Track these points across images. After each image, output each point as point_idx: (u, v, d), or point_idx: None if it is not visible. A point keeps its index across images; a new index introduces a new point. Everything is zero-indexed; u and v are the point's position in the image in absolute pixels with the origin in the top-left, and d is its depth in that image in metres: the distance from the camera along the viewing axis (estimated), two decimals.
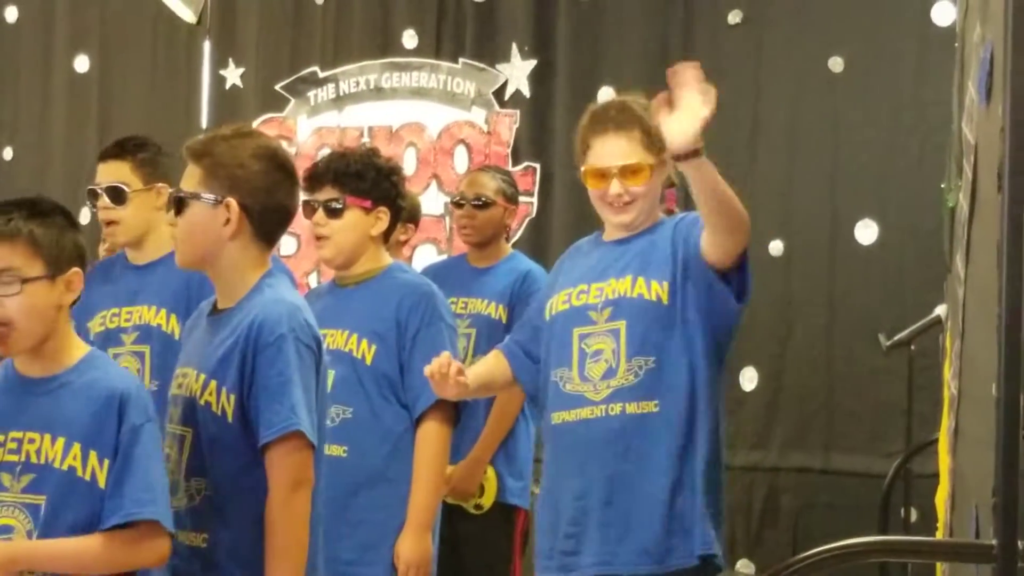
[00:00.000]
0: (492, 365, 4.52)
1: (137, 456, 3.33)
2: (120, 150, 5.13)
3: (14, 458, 3.34)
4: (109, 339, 4.95)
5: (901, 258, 7.50)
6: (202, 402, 3.41)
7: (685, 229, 4.07)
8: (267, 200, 3.57)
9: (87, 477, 3.32)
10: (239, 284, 3.52)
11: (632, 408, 4.00)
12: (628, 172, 4.21)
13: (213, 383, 3.39)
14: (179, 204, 3.56)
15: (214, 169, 3.51)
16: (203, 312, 3.68)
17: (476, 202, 6.06)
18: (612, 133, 4.26)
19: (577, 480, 4.13)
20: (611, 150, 4.21)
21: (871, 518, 6.03)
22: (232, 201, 3.47)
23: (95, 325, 5.02)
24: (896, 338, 6.16)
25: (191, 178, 3.57)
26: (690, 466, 4.06)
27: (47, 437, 3.34)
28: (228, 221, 3.48)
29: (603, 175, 4.19)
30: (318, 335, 3.50)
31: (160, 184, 5.05)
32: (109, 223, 5.08)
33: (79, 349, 3.52)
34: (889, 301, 7.11)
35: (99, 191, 5.04)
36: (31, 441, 3.35)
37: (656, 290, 4.03)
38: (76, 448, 3.33)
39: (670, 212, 4.43)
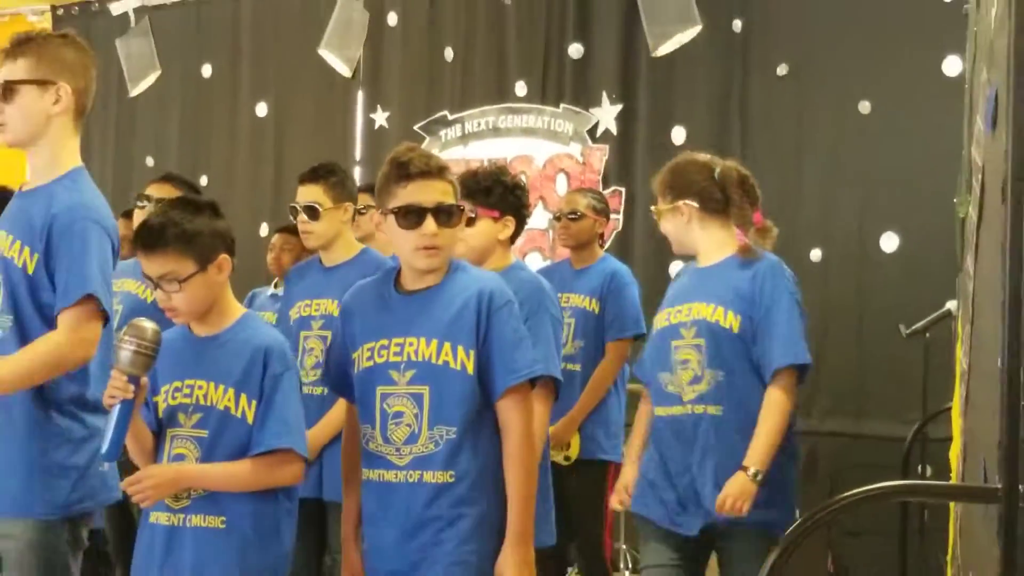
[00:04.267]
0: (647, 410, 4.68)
1: (277, 399, 3.38)
2: (315, 175, 5.16)
3: (187, 400, 3.41)
4: (303, 324, 5.04)
5: (917, 263, 7.42)
6: (440, 362, 3.31)
7: (760, 307, 4.27)
8: None
9: (238, 415, 3.38)
10: (442, 271, 3.44)
11: (706, 409, 4.23)
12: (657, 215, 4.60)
13: (448, 345, 3.30)
14: (454, 216, 3.40)
15: (456, 186, 3.48)
16: (379, 294, 3.51)
17: (571, 216, 6.14)
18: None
19: (670, 461, 4.35)
20: None
21: (894, 475, 5.97)
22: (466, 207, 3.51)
23: (293, 313, 5.10)
24: (914, 327, 6.13)
25: (448, 194, 3.41)
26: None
27: (211, 384, 3.40)
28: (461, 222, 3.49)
29: None
30: (556, 313, 3.48)
31: (346, 203, 5.14)
32: (305, 234, 5.14)
33: (237, 311, 3.54)
34: (908, 298, 7.05)
35: (298, 208, 5.09)
36: (200, 388, 3.41)
37: (731, 320, 4.21)
38: (231, 392, 3.39)
39: (743, 250, 4.47)
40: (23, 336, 3.56)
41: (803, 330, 4.32)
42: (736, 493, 4.11)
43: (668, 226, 4.52)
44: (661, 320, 4.49)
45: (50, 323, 3.55)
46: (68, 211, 3.55)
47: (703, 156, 4.63)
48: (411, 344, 3.35)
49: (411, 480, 3.32)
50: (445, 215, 3.33)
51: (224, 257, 3.45)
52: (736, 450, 4.20)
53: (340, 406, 4.68)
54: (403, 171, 3.37)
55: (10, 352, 3.55)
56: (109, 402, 3.30)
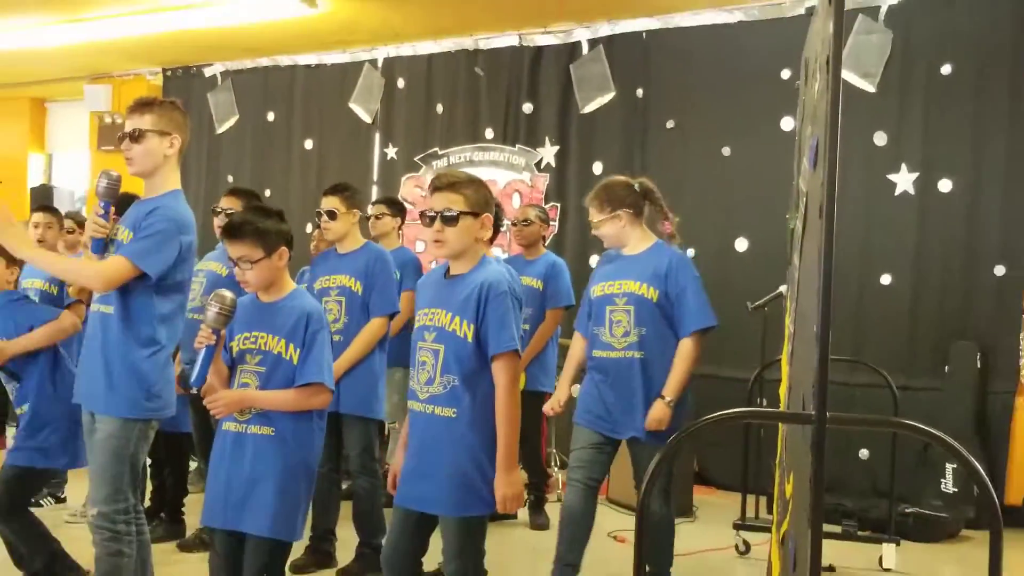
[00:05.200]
0: (577, 350, 4.70)
1: (314, 348, 3.39)
2: (334, 190, 5.25)
3: (253, 346, 3.43)
4: (324, 293, 5.07)
5: (760, 259, 7.49)
6: (450, 329, 3.25)
7: (675, 287, 4.37)
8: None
9: (288, 358, 3.39)
10: (471, 260, 3.32)
11: (634, 354, 4.34)
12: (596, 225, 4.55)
13: (458, 318, 3.24)
14: (454, 219, 3.26)
15: (472, 197, 3.28)
16: (436, 277, 3.43)
17: (524, 223, 6.19)
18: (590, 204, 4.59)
19: (608, 389, 4.44)
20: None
21: (741, 405, 6.01)
22: (489, 216, 3.33)
23: (317, 285, 5.13)
24: (756, 304, 6.16)
25: (456, 202, 3.26)
26: (659, 386, 4.34)
27: (269, 336, 3.42)
28: (483, 227, 3.31)
29: None
30: (518, 292, 3.35)
31: (355, 210, 5.23)
32: (325, 229, 5.21)
33: (290, 287, 3.54)
34: (753, 283, 7.08)
35: (322, 213, 5.18)
36: (262, 338, 3.42)
37: (651, 293, 4.33)
38: (283, 342, 3.40)
39: (671, 236, 4.58)
40: (124, 290, 3.57)
41: (707, 300, 4.45)
42: (658, 417, 4.28)
43: (607, 230, 4.50)
44: (597, 291, 4.51)
45: (138, 280, 3.56)
46: (159, 208, 3.59)
47: (621, 177, 4.67)
48: (438, 315, 3.31)
49: (427, 412, 3.29)
50: (448, 219, 3.25)
51: (283, 250, 3.47)
52: (656, 382, 4.35)
53: (354, 346, 4.93)
54: (430, 186, 3.35)
55: (113, 303, 3.59)
56: (198, 346, 3.33)
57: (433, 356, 3.30)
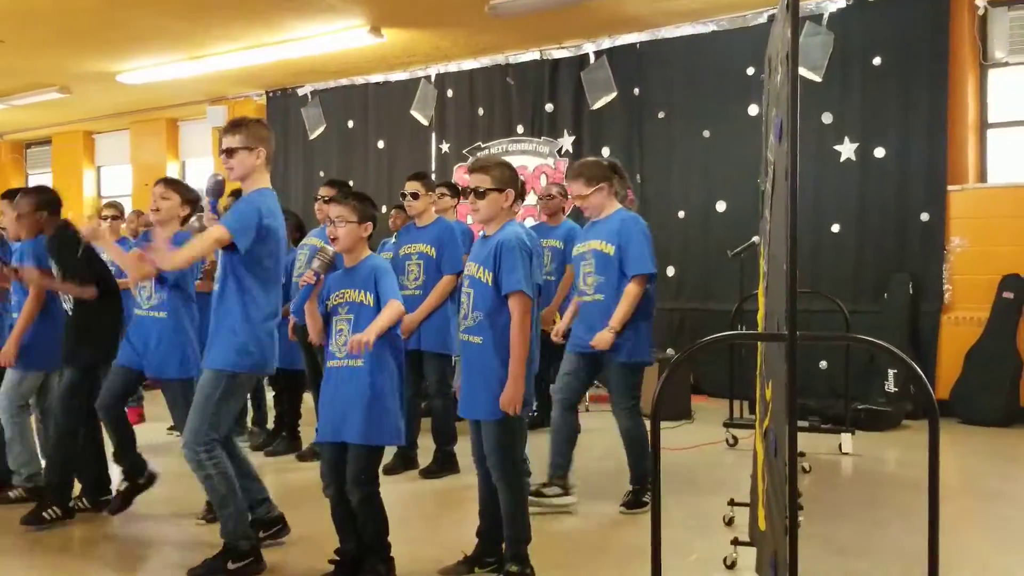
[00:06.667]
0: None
1: (383, 281, 3.37)
2: (416, 176, 5.21)
3: (341, 300, 3.40)
4: (407, 258, 5.08)
5: (737, 216, 7.39)
6: (477, 277, 3.30)
7: (625, 241, 3.92)
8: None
9: (367, 303, 3.37)
10: (498, 225, 3.33)
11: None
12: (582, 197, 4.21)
13: (483, 269, 3.27)
14: (483, 194, 3.31)
15: (497, 177, 3.30)
16: (480, 240, 3.43)
17: (548, 198, 6.06)
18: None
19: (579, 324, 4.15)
20: None
21: (726, 330, 5.96)
22: (512, 190, 3.32)
23: (401, 252, 5.12)
24: (735, 251, 6.09)
25: (484, 181, 3.30)
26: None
27: (351, 290, 3.40)
28: (507, 199, 3.31)
29: None
30: (531, 247, 3.28)
31: (431, 192, 5.23)
32: (409, 206, 5.17)
33: (366, 254, 3.49)
34: (732, 235, 7.01)
35: (406, 194, 5.14)
36: (347, 293, 3.40)
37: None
38: (361, 292, 3.38)
39: (631, 203, 4.26)
40: (222, 273, 3.50)
41: (648, 253, 4.16)
42: (601, 339, 4.09)
43: (595, 200, 4.24)
44: (574, 251, 4.25)
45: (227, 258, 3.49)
46: (246, 196, 3.53)
47: (593, 157, 4.39)
48: (472, 267, 3.35)
49: (464, 339, 3.35)
50: (479, 194, 3.31)
51: (368, 225, 3.44)
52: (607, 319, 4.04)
53: (430, 298, 4.94)
54: (467, 170, 3.40)
55: (217, 284, 3.52)
56: (302, 284, 3.37)
57: (467, 298, 3.35)
